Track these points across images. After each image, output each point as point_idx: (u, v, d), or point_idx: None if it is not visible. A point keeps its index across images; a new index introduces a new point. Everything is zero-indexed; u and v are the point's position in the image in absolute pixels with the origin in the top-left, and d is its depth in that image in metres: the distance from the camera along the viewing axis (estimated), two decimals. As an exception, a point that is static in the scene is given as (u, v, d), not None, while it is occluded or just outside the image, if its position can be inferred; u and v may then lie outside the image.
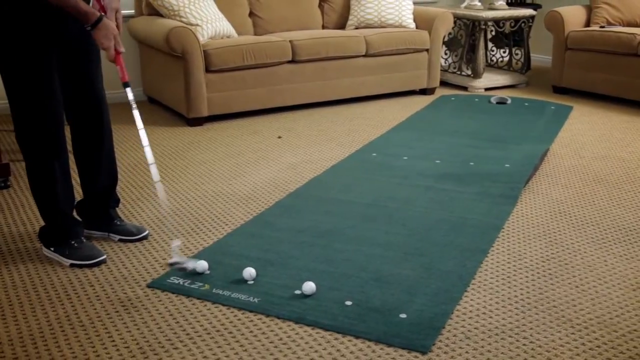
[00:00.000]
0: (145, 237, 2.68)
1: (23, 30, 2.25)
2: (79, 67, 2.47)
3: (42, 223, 2.56)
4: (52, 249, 2.50)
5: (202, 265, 2.35)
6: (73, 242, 2.49)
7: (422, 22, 5.33)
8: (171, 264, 2.36)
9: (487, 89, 5.59)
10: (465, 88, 5.63)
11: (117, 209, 2.78)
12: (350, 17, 5.34)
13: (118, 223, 2.70)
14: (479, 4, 5.80)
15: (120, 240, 2.66)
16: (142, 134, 2.43)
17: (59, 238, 2.50)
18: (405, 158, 3.64)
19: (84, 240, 2.54)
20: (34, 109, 2.34)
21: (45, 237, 2.54)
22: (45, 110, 2.34)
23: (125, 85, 2.41)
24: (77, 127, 2.57)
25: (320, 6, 5.39)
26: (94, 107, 2.54)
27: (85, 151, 2.61)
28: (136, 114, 2.44)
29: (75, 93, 2.49)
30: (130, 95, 2.43)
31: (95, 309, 2.14)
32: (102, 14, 2.30)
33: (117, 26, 2.38)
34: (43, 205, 2.49)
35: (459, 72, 5.78)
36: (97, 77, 2.53)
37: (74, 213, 2.62)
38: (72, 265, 2.44)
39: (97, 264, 2.44)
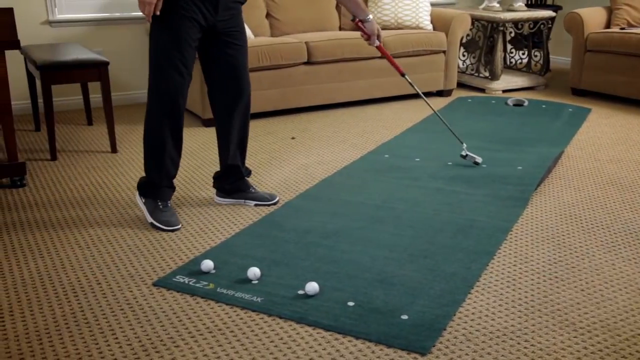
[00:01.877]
0: (276, 202, 3.06)
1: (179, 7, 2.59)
2: (224, 50, 2.78)
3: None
4: (144, 200, 2.82)
5: (208, 264, 2.38)
6: (160, 204, 2.79)
7: (440, 23, 5.31)
8: (463, 156, 3.53)
9: (505, 91, 5.55)
10: (482, 90, 5.60)
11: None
12: (367, 19, 5.33)
13: (253, 191, 3.08)
14: (498, 5, 5.76)
15: (256, 205, 3.03)
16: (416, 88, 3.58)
17: (151, 193, 2.80)
18: (417, 160, 3.64)
19: (169, 206, 2.83)
20: (156, 70, 2.67)
21: (141, 187, 2.83)
22: (165, 73, 2.65)
23: (402, 75, 3.43)
24: (219, 98, 2.92)
25: (338, 7, 5.39)
26: (236, 90, 2.87)
27: (225, 128, 2.93)
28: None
29: (219, 75, 2.84)
30: (408, 79, 3.47)
31: (100, 306, 2.17)
32: None
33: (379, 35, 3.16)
34: (148, 157, 2.77)
35: (476, 74, 5.75)
36: (241, 61, 2.84)
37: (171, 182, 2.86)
38: (151, 224, 2.77)
39: (172, 231, 2.74)
